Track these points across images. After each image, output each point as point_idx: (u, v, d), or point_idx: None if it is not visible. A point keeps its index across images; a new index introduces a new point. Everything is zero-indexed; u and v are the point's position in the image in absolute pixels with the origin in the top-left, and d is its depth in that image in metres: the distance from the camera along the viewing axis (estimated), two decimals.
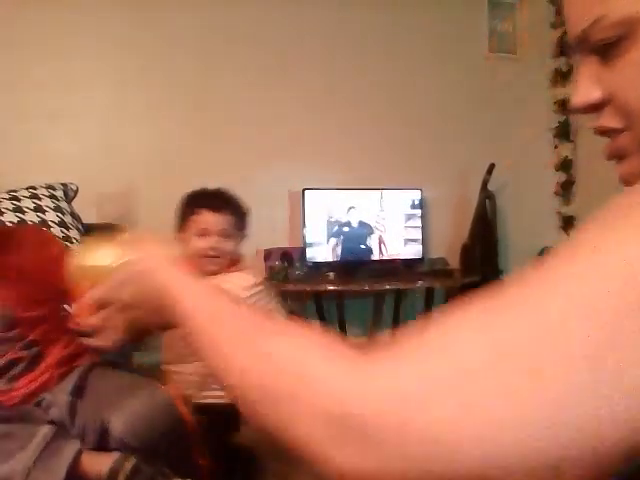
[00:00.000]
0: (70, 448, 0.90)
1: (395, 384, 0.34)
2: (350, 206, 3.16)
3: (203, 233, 1.59)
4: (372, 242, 3.20)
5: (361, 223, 3.18)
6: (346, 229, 3.16)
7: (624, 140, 0.47)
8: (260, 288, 1.62)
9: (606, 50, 0.45)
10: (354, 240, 3.18)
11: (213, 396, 1.43)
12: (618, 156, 0.49)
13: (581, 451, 0.29)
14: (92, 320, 0.64)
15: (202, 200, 1.68)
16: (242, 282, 1.58)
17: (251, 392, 0.43)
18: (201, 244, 1.57)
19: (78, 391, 1.07)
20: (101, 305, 0.64)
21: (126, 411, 1.01)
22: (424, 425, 0.32)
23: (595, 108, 0.48)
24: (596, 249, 0.36)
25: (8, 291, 1.03)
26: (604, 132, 0.48)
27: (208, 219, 1.61)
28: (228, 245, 1.61)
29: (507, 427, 0.30)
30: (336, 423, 0.35)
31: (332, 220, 3.13)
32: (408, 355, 0.36)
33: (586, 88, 0.47)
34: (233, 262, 1.64)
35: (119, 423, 0.98)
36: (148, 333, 0.67)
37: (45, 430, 0.90)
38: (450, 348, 0.35)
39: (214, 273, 1.56)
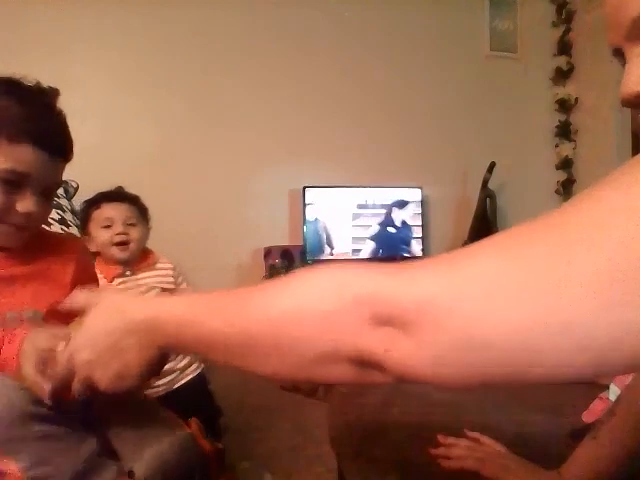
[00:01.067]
0: (112, 468, 0.88)
1: (434, 283, 0.36)
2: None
3: (107, 224, 1.64)
4: (373, 241, 3.20)
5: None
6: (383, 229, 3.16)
7: None
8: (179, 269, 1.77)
9: None
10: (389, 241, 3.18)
11: None
12: None
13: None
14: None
15: (100, 196, 1.73)
16: (168, 271, 1.73)
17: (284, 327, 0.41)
18: (107, 234, 1.62)
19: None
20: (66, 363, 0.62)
21: (149, 461, 0.98)
22: (467, 316, 0.33)
23: (631, 103, 0.47)
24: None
25: (44, 297, 1.01)
26: None
27: (109, 210, 1.67)
28: (134, 232, 1.69)
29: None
30: (384, 322, 0.35)
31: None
32: (440, 263, 0.39)
33: (630, 80, 0.46)
34: (145, 255, 1.73)
35: (142, 470, 0.96)
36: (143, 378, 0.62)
37: (93, 439, 0.87)
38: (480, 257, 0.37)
39: (127, 263, 1.62)
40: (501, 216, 3.47)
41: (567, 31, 3.66)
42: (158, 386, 1.60)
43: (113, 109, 2.98)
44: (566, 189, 3.76)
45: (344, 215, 3.16)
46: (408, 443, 0.85)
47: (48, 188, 0.92)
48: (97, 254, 1.64)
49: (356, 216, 3.17)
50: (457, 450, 0.87)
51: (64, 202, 1.95)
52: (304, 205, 3.08)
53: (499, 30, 3.67)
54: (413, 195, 3.30)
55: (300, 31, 3.25)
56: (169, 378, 1.63)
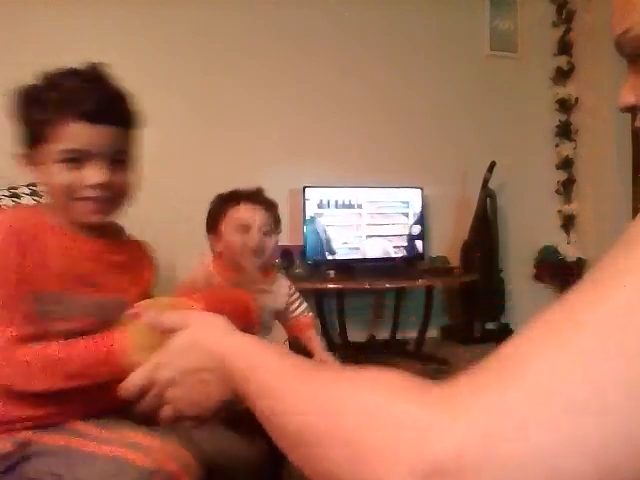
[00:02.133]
0: None
1: (484, 418, 0.31)
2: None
3: (244, 229, 1.46)
4: (375, 241, 3.20)
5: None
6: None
7: None
8: (295, 289, 1.61)
9: (636, 59, 0.48)
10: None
11: None
12: None
13: None
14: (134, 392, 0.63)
15: (241, 195, 1.56)
16: (285, 289, 1.56)
17: (316, 439, 0.38)
18: (242, 239, 1.44)
19: None
20: (148, 384, 0.62)
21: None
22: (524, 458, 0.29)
23: (632, 110, 0.52)
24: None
25: (134, 289, 1.02)
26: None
27: (248, 213, 1.50)
28: (269, 242, 1.49)
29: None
30: (420, 463, 0.31)
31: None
32: (490, 387, 0.33)
33: (625, 92, 0.52)
34: (267, 270, 1.54)
35: None
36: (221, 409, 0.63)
37: None
38: (530, 378, 0.32)
39: (250, 272, 1.44)
40: (501, 216, 3.47)
41: (567, 31, 3.66)
42: None
43: None
44: (566, 189, 3.76)
45: (344, 215, 3.16)
46: None
47: (116, 158, 0.93)
48: (218, 255, 1.50)
49: (356, 216, 3.17)
50: None
51: None
52: (304, 205, 3.08)
53: (499, 30, 3.66)
54: (413, 195, 3.30)
55: (300, 32, 3.25)
56: None
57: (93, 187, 0.90)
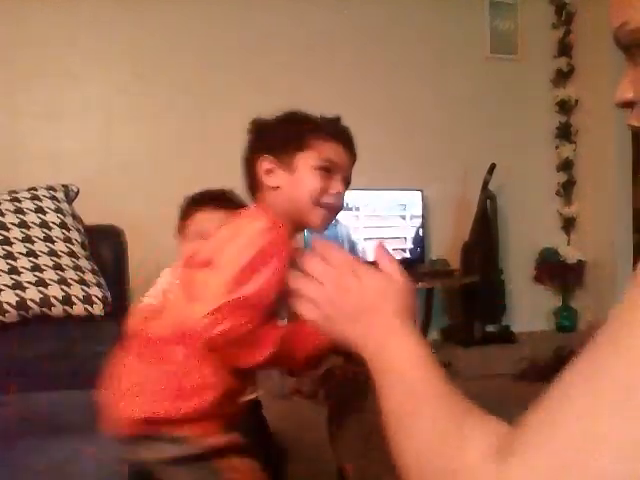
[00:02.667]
0: None
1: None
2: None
3: (204, 235, 1.35)
4: (374, 242, 3.20)
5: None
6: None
7: None
8: None
9: (632, 54, 0.48)
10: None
11: None
12: None
13: None
14: None
15: (204, 198, 1.57)
16: None
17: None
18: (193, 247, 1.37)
19: None
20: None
21: None
22: None
23: (629, 105, 0.52)
24: None
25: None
26: (634, 129, 0.53)
27: (208, 218, 1.48)
28: None
29: None
30: None
31: None
32: (536, 450, 0.37)
33: (622, 87, 0.52)
34: None
35: None
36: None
37: None
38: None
39: None
40: (502, 217, 3.47)
41: (567, 33, 3.67)
42: None
43: (114, 110, 2.98)
44: (566, 190, 3.76)
45: (343, 217, 3.16)
46: None
47: (346, 180, 1.12)
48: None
49: (355, 218, 3.17)
50: None
51: (65, 206, 1.95)
52: None
53: (499, 32, 3.67)
54: (413, 197, 3.30)
55: (299, 33, 3.25)
56: None
57: (335, 196, 1.08)
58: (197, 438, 0.94)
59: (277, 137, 1.15)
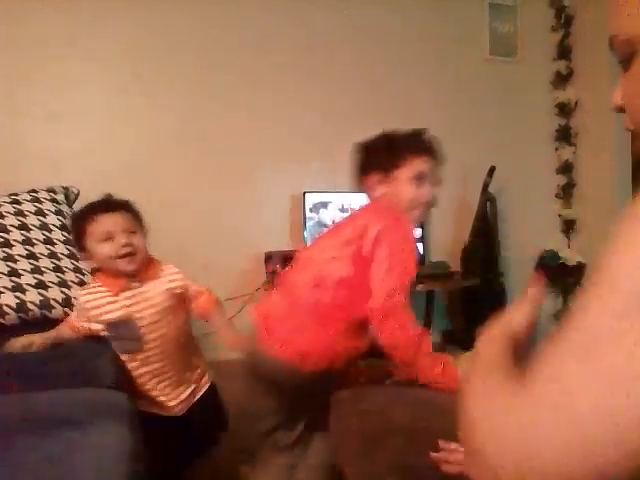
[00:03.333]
0: None
1: (515, 423, 0.39)
2: None
3: (107, 237, 1.48)
4: None
5: None
6: None
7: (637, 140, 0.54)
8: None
9: (624, 62, 0.52)
10: None
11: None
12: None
13: None
14: None
15: (91, 208, 1.56)
16: (176, 276, 1.60)
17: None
18: (109, 247, 1.46)
19: None
20: None
21: None
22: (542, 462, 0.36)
23: (620, 110, 0.56)
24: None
25: None
26: (629, 131, 0.57)
27: (107, 221, 1.51)
28: (137, 239, 1.55)
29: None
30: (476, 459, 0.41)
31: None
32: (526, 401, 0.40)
33: (615, 93, 0.56)
34: (149, 262, 1.58)
35: None
36: None
37: None
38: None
39: (134, 273, 1.50)
40: (501, 220, 3.47)
41: (566, 35, 3.67)
42: (181, 401, 1.55)
43: (114, 111, 2.98)
44: (566, 193, 3.76)
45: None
46: (409, 447, 0.85)
47: (436, 181, 1.53)
48: (97, 270, 1.53)
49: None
50: (458, 455, 0.87)
51: (65, 208, 1.95)
52: (304, 210, 3.08)
53: (499, 34, 3.67)
54: None
55: (299, 34, 3.26)
56: (189, 391, 1.58)
57: (430, 199, 1.49)
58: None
59: (379, 157, 1.51)
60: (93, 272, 1.51)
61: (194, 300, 1.57)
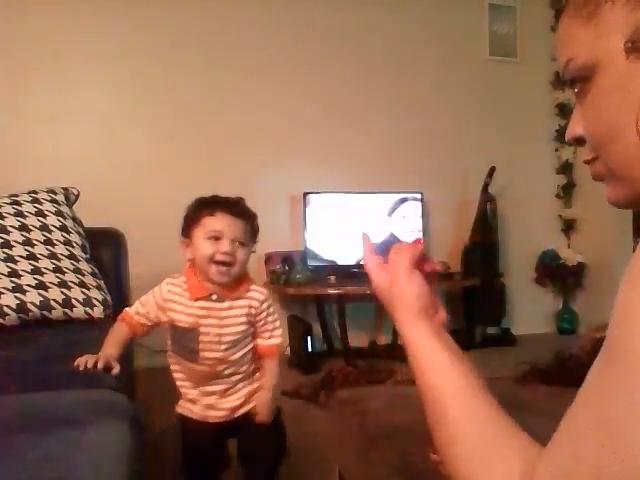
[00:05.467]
0: None
1: None
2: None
3: (215, 236, 1.38)
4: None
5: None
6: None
7: (597, 167, 0.53)
8: (270, 303, 1.48)
9: (579, 90, 0.51)
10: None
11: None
12: (599, 179, 0.55)
13: None
14: None
15: (217, 203, 1.47)
16: (260, 296, 1.44)
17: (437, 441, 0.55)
18: (211, 248, 1.36)
19: None
20: None
21: None
22: None
23: (579, 142, 0.55)
24: None
25: None
26: (588, 162, 0.55)
27: (223, 222, 1.40)
28: (241, 253, 1.40)
29: None
30: None
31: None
32: None
33: (572, 124, 0.54)
34: (241, 281, 1.43)
35: None
36: None
37: None
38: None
39: (222, 285, 1.38)
40: (502, 220, 3.47)
41: None
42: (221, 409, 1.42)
43: (115, 112, 2.99)
44: (566, 193, 3.76)
45: (345, 220, 3.16)
46: (409, 448, 0.85)
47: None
48: (191, 261, 1.41)
49: (357, 221, 3.17)
50: None
51: (65, 209, 1.95)
52: (305, 211, 3.08)
53: (499, 35, 3.68)
54: (414, 200, 3.30)
55: (300, 38, 3.26)
56: (235, 404, 1.43)
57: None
58: None
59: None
60: (189, 262, 1.40)
61: (260, 337, 1.45)
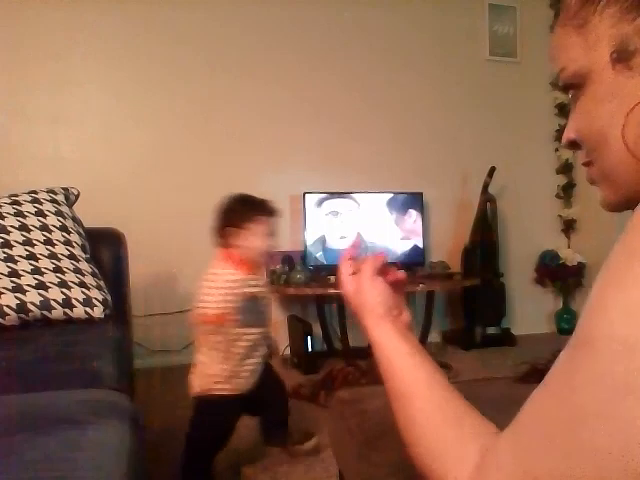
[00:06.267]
0: None
1: None
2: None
3: (270, 234, 1.69)
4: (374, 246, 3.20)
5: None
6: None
7: (592, 171, 0.55)
8: None
9: (572, 95, 0.53)
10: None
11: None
12: (593, 183, 0.57)
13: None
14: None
15: (270, 207, 1.76)
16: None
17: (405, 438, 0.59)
18: (268, 243, 1.67)
19: None
20: None
21: None
22: None
23: (574, 146, 0.57)
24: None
25: None
26: (584, 165, 0.57)
27: (273, 222, 1.73)
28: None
29: None
30: None
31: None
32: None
33: (567, 128, 0.56)
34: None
35: None
36: None
37: None
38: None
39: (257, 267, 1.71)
40: (501, 220, 3.47)
41: None
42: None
43: (115, 113, 2.99)
44: (566, 193, 3.77)
45: (344, 220, 3.16)
46: None
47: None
48: (234, 247, 1.65)
49: (356, 221, 3.17)
50: None
51: (65, 209, 1.95)
52: (304, 211, 3.08)
53: (499, 35, 3.68)
54: (413, 200, 3.30)
55: (301, 39, 3.26)
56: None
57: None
58: None
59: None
60: (222, 247, 1.65)
61: None
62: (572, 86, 0.52)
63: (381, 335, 0.67)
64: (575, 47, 0.51)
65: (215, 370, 1.59)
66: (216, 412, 1.60)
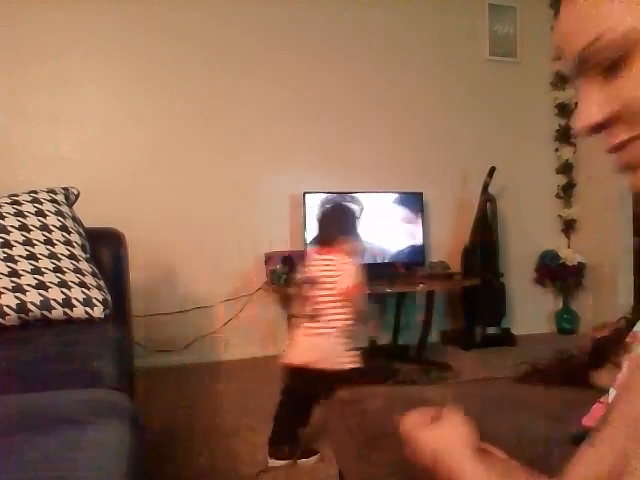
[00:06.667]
0: None
1: None
2: None
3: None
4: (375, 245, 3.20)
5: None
6: None
7: (635, 149, 0.47)
8: None
9: (610, 67, 0.46)
10: None
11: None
12: (632, 166, 0.48)
13: None
14: None
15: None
16: None
17: None
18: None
19: None
20: None
21: None
22: None
23: (599, 129, 0.49)
24: None
25: None
26: (619, 147, 0.48)
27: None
28: None
29: None
30: None
31: None
32: None
33: (588, 110, 0.48)
34: None
35: None
36: None
37: None
38: None
39: None
40: (501, 220, 3.47)
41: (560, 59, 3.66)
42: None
43: (115, 113, 2.99)
44: (566, 193, 3.76)
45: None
46: None
47: None
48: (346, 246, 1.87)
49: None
50: None
51: (65, 209, 1.95)
52: (305, 211, 3.08)
53: (499, 35, 3.68)
54: (413, 200, 3.30)
55: (301, 39, 3.26)
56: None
57: None
58: None
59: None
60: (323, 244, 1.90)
61: None
62: (610, 55, 0.46)
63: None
64: (614, 12, 0.45)
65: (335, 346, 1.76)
66: (310, 381, 1.73)
